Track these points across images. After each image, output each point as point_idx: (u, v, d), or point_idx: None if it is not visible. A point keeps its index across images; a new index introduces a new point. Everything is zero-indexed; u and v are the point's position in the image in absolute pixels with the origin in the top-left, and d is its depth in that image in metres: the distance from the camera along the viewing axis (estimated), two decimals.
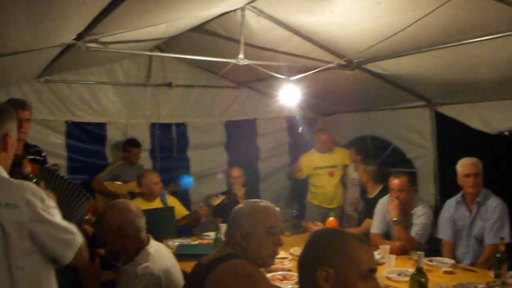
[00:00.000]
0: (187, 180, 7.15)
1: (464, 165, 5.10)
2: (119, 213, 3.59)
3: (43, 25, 3.71)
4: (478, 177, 5.03)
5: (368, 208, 6.06)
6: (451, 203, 5.32)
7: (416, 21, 3.91)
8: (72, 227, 2.62)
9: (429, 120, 6.65)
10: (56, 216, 2.57)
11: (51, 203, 2.59)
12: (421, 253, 3.59)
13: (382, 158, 7.41)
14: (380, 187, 6.07)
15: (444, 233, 5.30)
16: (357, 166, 7.21)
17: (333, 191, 7.68)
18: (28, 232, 2.46)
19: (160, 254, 3.62)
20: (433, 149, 6.70)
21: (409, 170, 6.85)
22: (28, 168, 2.99)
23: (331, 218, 5.36)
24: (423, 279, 3.52)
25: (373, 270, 2.20)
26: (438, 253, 5.20)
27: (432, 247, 5.45)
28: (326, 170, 7.67)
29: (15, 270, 2.47)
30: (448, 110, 6.38)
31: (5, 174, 2.59)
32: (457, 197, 5.26)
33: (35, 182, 2.92)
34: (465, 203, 5.18)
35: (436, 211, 6.30)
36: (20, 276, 2.49)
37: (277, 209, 3.09)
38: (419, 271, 3.55)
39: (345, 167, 7.74)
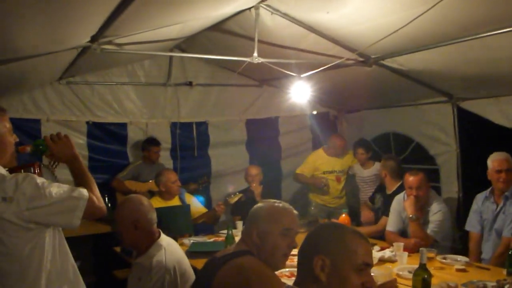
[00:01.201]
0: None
1: (496, 161, 5.06)
2: (133, 207, 3.71)
3: (58, 29, 3.80)
4: (510, 172, 5.01)
5: (386, 204, 6.02)
6: (480, 196, 5.30)
7: (424, 13, 3.91)
8: (73, 192, 2.72)
9: (451, 116, 6.60)
10: (53, 192, 2.66)
11: (46, 182, 2.69)
12: (424, 249, 3.61)
13: (404, 155, 7.40)
14: (399, 183, 6.04)
15: (471, 225, 5.29)
16: (366, 164, 7.24)
17: (337, 195, 7.70)
18: (28, 217, 2.59)
19: (172, 246, 3.78)
20: (456, 145, 6.65)
21: (431, 167, 6.84)
22: (26, 148, 3.08)
23: (343, 215, 5.37)
24: (426, 275, 3.54)
25: (368, 265, 2.28)
26: (462, 251, 5.20)
27: (454, 244, 5.47)
28: (334, 175, 7.66)
29: (15, 249, 2.63)
30: (470, 106, 6.34)
31: (2, 171, 2.71)
32: (487, 191, 5.24)
33: (43, 143, 3.02)
34: (493, 196, 5.16)
35: (459, 208, 6.32)
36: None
37: (295, 211, 3.12)
38: (422, 268, 3.57)
39: (350, 168, 7.73)
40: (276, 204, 3.10)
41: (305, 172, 7.75)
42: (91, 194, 2.78)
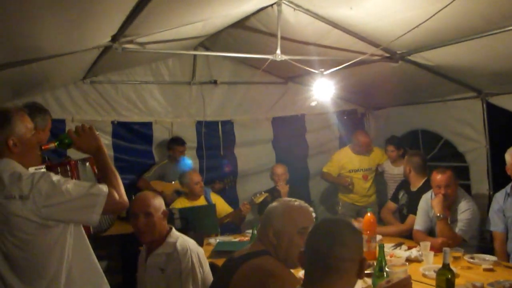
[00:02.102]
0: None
1: None
2: (160, 198, 3.96)
3: (78, 28, 3.86)
4: None
5: (411, 202, 5.97)
6: (499, 195, 5.23)
7: (447, 6, 3.86)
8: (91, 188, 2.77)
9: (480, 112, 6.51)
10: (70, 189, 2.71)
11: (62, 179, 2.74)
12: (447, 249, 3.56)
13: (433, 153, 7.33)
14: (424, 179, 5.97)
15: (494, 224, 5.20)
16: (397, 162, 7.17)
17: (364, 194, 7.64)
18: (46, 215, 2.64)
19: (184, 237, 3.96)
20: (486, 141, 6.56)
21: (461, 165, 6.76)
22: (51, 144, 3.13)
23: (368, 214, 5.33)
24: (449, 275, 3.50)
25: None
26: (492, 250, 5.13)
27: (483, 243, 5.40)
28: (361, 173, 7.60)
29: (37, 247, 2.69)
30: (500, 101, 6.25)
31: (19, 170, 2.76)
32: (506, 188, 5.17)
33: (66, 137, 3.07)
34: None
35: (490, 206, 6.22)
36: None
37: (311, 209, 3.14)
38: (446, 267, 3.53)
39: (379, 166, 7.66)
40: (291, 203, 3.12)
41: (331, 170, 7.75)
42: (111, 189, 2.82)
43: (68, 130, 3.08)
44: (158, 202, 3.89)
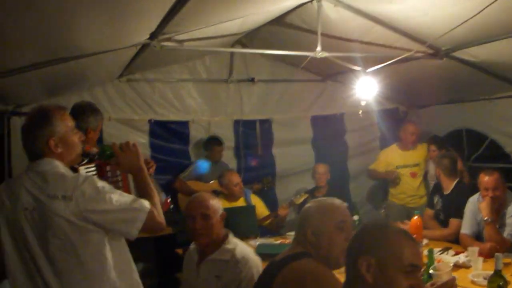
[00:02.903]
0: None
1: None
2: (217, 199, 3.97)
3: (117, 26, 3.90)
4: None
5: (446, 205, 5.87)
6: None
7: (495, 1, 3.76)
8: (134, 202, 2.77)
9: None
10: (114, 199, 2.72)
11: (107, 187, 2.76)
12: (499, 254, 3.46)
13: (478, 153, 7.16)
14: (456, 181, 5.84)
15: None
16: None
17: (413, 193, 7.43)
18: (87, 219, 2.66)
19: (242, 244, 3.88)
20: None
21: (508, 166, 6.59)
22: (93, 149, 3.14)
23: (415, 217, 5.21)
24: (501, 282, 3.40)
25: (416, 266, 2.31)
26: None
27: None
28: (408, 170, 7.41)
29: (80, 250, 2.70)
30: None
31: (62, 170, 2.79)
32: None
33: (110, 149, 3.06)
34: None
35: None
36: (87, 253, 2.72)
37: (345, 204, 3.15)
38: (498, 274, 3.43)
39: (427, 164, 7.51)
40: (325, 200, 3.17)
41: (378, 168, 7.63)
42: (152, 208, 2.82)
43: (113, 143, 3.10)
44: (217, 204, 3.86)
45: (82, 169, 3.07)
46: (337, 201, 3.11)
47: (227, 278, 3.61)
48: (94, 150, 3.16)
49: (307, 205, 3.18)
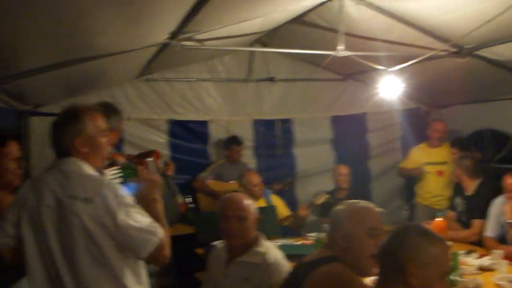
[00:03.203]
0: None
1: None
2: (252, 200, 3.92)
3: (137, 26, 3.93)
4: None
5: (468, 207, 5.79)
6: None
7: None
8: (151, 225, 2.74)
9: None
10: (133, 215, 2.70)
11: (129, 200, 2.75)
12: None
13: (502, 154, 7.08)
14: (478, 181, 5.77)
15: None
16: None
17: (439, 193, 7.26)
18: (104, 224, 2.65)
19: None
20: None
21: None
22: (120, 159, 3.15)
23: (439, 219, 5.16)
24: None
25: (447, 273, 2.46)
26: None
27: None
28: (435, 168, 7.30)
29: (102, 261, 2.69)
30: None
31: (89, 171, 2.79)
32: None
33: (132, 169, 3.07)
34: None
35: None
36: (108, 266, 2.71)
37: (378, 209, 3.10)
38: None
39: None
40: (357, 204, 3.09)
41: (406, 166, 7.57)
42: (164, 237, 2.79)
43: (140, 167, 3.15)
44: (252, 206, 3.83)
45: (108, 172, 3.07)
46: (370, 206, 3.07)
47: (256, 282, 3.56)
48: (120, 161, 3.17)
49: (339, 207, 3.11)
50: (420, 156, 7.46)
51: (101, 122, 2.92)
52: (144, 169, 3.11)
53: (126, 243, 2.70)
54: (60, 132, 2.84)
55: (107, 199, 2.65)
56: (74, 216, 2.64)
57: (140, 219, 2.71)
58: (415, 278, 2.32)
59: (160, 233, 2.74)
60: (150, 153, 3.82)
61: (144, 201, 2.93)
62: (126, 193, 2.76)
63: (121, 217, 2.65)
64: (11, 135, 3.80)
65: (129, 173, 3.09)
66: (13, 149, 3.65)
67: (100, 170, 2.95)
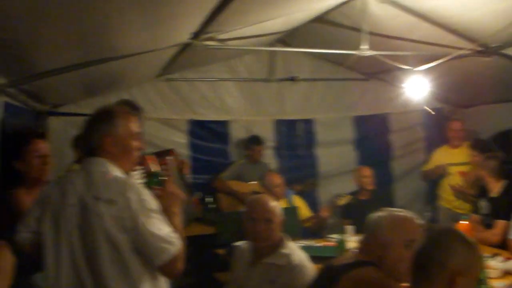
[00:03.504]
0: None
1: None
2: (277, 202, 3.98)
3: (159, 26, 3.95)
4: None
5: (493, 208, 5.70)
6: None
7: None
8: (170, 235, 2.69)
9: None
10: (154, 221, 2.67)
11: (153, 205, 2.72)
12: None
13: None
14: (503, 183, 5.71)
15: None
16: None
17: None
18: (125, 227, 2.63)
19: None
20: None
21: None
22: (150, 166, 3.15)
23: (463, 222, 5.11)
24: None
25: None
26: None
27: None
28: (458, 169, 7.15)
29: (121, 264, 2.67)
30: None
31: (113, 172, 2.77)
32: None
33: (160, 179, 3.07)
34: None
35: None
36: (128, 270, 2.68)
37: (419, 221, 3.05)
38: None
39: None
40: (398, 213, 3.04)
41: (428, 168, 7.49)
42: (180, 250, 2.74)
43: (167, 180, 3.09)
44: (278, 208, 3.85)
45: (134, 174, 3.06)
46: (411, 217, 3.02)
47: (281, 283, 3.58)
48: (150, 168, 3.17)
49: (379, 214, 3.07)
50: (442, 157, 7.37)
51: (134, 126, 2.91)
52: (171, 183, 3.09)
53: (142, 248, 2.66)
54: (91, 129, 2.84)
55: (131, 202, 2.63)
56: (97, 217, 2.63)
57: (161, 226, 2.68)
58: (459, 286, 2.31)
59: (178, 244, 2.70)
60: (168, 152, 3.82)
61: (163, 213, 2.90)
62: (151, 197, 2.74)
63: (142, 221, 2.62)
64: (36, 133, 3.83)
65: (155, 182, 3.07)
66: (39, 146, 3.70)
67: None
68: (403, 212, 3.04)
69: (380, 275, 2.83)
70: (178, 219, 2.92)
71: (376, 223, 3.00)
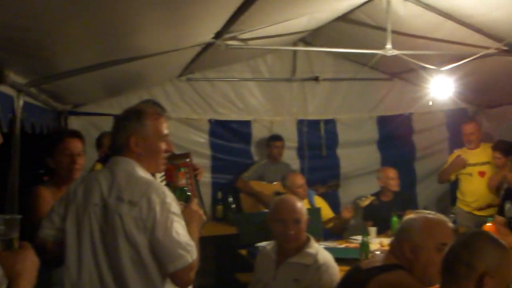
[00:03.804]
0: None
1: None
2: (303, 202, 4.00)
3: (182, 26, 3.98)
4: None
5: None
6: None
7: None
8: (189, 243, 2.68)
9: None
10: (174, 226, 2.65)
11: (176, 209, 2.72)
12: None
13: None
14: None
15: None
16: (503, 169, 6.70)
17: (484, 195, 6.96)
18: (145, 229, 2.62)
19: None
20: None
21: None
22: (181, 180, 3.15)
23: (489, 224, 5.06)
24: None
25: None
26: None
27: None
28: (477, 169, 7.04)
29: (140, 265, 2.67)
30: None
31: (137, 173, 2.78)
32: None
33: (187, 195, 3.07)
34: None
35: None
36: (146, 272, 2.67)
37: (451, 224, 3.07)
38: None
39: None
40: (431, 217, 3.04)
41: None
42: (195, 261, 2.71)
43: (194, 199, 3.10)
44: (304, 207, 3.89)
45: (158, 176, 3.07)
46: (444, 221, 3.03)
47: (306, 283, 3.61)
48: (179, 182, 3.19)
49: (412, 216, 3.08)
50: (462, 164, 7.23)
51: (163, 127, 2.91)
52: (194, 200, 3.08)
53: (158, 252, 2.64)
54: (119, 127, 2.86)
55: (153, 204, 2.62)
56: (118, 218, 2.64)
57: (181, 232, 2.67)
58: (487, 287, 2.32)
59: (194, 254, 2.68)
60: (185, 155, 3.82)
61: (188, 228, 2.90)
62: (175, 201, 2.74)
63: (162, 224, 2.62)
64: (70, 131, 3.87)
65: (182, 197, 3.06)
66: (71, 145, 3.73)
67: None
68: (436, 216, 3.05)
69: (410, 279, 2.83)
70: (196, 237, 2.89)
71: (409, 226, 3.00)
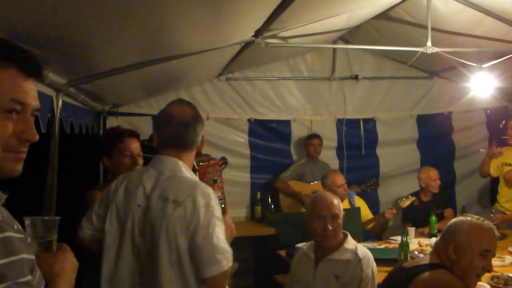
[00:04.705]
0: None
1: None
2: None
3: (221, 25, 4.02)
4: None
5: None
6: None
7: None
8: (227, 250, 2.67)
9: None
10: (216, 230, 2.67)
11: (219, 213, 2.74)
12: None
13: None
14: None
15: None
16: None
17: None
18: (187, 230, 2.64)
19: None
20: None
21: None
22: (217, 192, 3.16)
23: None
24: None
25: None
26: None
27: None
28: None
29: (179, 267, 2.67)
30: None
31: (183, 172, 2.83)
32: None
33: (222, 207, 3.08)
34: None
35: None
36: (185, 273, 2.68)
37: (497, 233, 3.14)
38: None
39: None
40: (480, 222, 3.09)
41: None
42: (230, 269, 2.68)
43: (227, 211, 3.09)
44: (340, 203, 3.91)
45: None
46: (491, 227, 3.06)
47: (347, 278, 3.63)
48: (209, 178, 3.24)
49: (459, 218, 3.15)
50: (501, 158, 6.95)
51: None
52: (228, 214, 3.10)
53: (196, 255, 2.63)
54: (184, 124, 2.92)
55: (197, 205, 2.65)
56: (161, 217, 2.66)
57: (221, 237, 2.67)
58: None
59: (230, 261, 2.66)
60: (219, 164, 3.82)
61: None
62: (217, 205, 2.76)
63: (205, 227, 2.63)
64: (130, 132, 3.90)
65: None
66: (131, 146, 3.81)
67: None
68: (485, 222, 3.08)
69: (453, 278, 2.88)
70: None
71: (456, 227, 3.06)
